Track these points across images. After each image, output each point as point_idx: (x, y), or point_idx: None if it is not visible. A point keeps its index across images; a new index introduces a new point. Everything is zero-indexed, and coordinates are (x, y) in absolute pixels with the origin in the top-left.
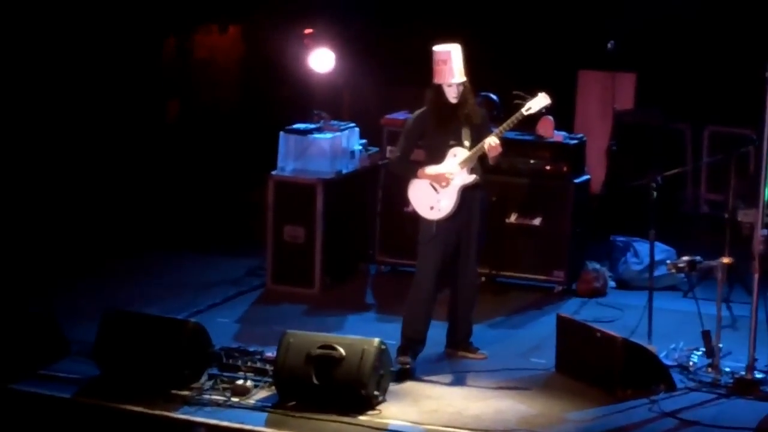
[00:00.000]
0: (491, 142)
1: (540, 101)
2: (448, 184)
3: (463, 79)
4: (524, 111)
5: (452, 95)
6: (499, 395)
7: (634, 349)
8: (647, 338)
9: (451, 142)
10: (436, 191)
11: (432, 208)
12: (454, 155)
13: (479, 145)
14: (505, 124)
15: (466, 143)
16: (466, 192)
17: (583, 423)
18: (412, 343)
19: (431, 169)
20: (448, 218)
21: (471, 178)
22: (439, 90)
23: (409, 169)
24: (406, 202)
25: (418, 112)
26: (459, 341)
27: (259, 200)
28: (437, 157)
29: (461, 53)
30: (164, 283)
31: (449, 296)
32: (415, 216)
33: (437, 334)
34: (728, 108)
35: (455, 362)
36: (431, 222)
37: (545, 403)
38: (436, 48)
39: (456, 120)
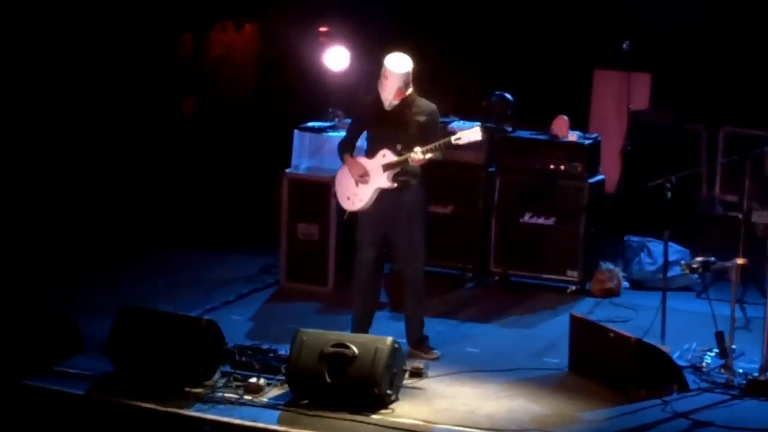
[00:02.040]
0: (415, 156)
1: (471, 135)
2: (364, 182)
3: (401, 96)
4: (453, 139)
5: (387, 105)
6: (512, 395)
7: (647, 349)
8: (660, 339)
9: (383, 142)
10: (356, 185)
11: (348, 198)
12: (383, 156)
13: (404, 156)
14: (432, 145)
15: (398, 146)
16: (386, 194)
17: (595, 423)
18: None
19: (357, 161)
20: (367, 214)
21: (388, 185)
22: (378, 95)
23: (342, 156)
24: None
25: (366, 99)
26: (412, 339)
27: (273, 198)
28: (371, 151)
29: (409, 74)
30: (178, 280)
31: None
32: (428, 214)
33: (450, 332)
34: (744, 109)
35: (468, 361)
36: (345, 211)
37: (558, 403)
38: (386, 62)
39: (389, 126)
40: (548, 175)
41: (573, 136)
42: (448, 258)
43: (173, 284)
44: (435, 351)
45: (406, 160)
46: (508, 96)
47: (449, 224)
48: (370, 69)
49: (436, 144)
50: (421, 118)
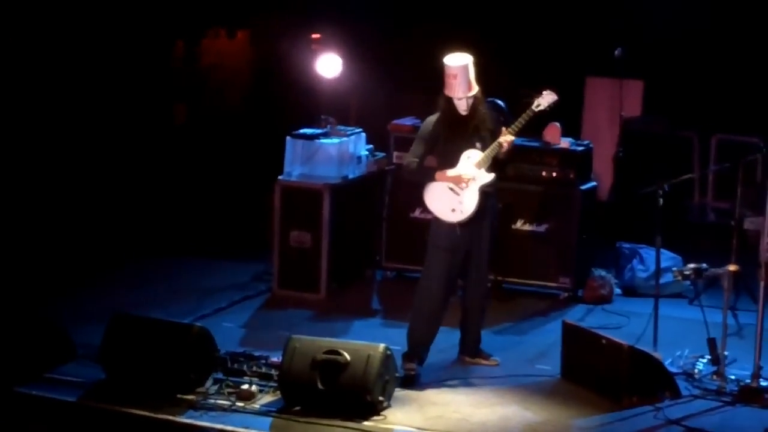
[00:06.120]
0: (505, 139)
1: (548, 98)
2: (468, 184)
3: (474, 91)
4: (534, 107)
5: (462, 108)
6: (504, 402)
7: (639, 356)
8: (653, 345)
9: (462, 148)
10: (456, 193)
11: (454, 210)
12: (468, 157)
13: (493, 145)
14: (517, 122)
15: (477, 144)
16: (483, 195)
17: (588, 430)
18: (418, 349)
19: (450, 172)
20: (466, 222)
21: (490, 177)
22: (450, 101)
23: (427, 174)
24: (412, 207)
25: (431, 117)
26: (470, 348)
27: (265, 205)
28: (451, 163)
29: (472, 66)
30: (170, 287)
31: (461, 303)
32: (421, 221)
33: (443, 340)
34: (736, 116)
35: (460, 368)
36: (453, 225)
37: (551, 409)
38: (447, 62)
39: (468, 129)
40: (540, 182)
41: (565, 143)
42: None
43: (165, 291)
44: (493, 357)
45: (497, 148)
46: (500, 103)
47: None
48: (361, 76)
49: (522, 119)
50: (493, 114)
